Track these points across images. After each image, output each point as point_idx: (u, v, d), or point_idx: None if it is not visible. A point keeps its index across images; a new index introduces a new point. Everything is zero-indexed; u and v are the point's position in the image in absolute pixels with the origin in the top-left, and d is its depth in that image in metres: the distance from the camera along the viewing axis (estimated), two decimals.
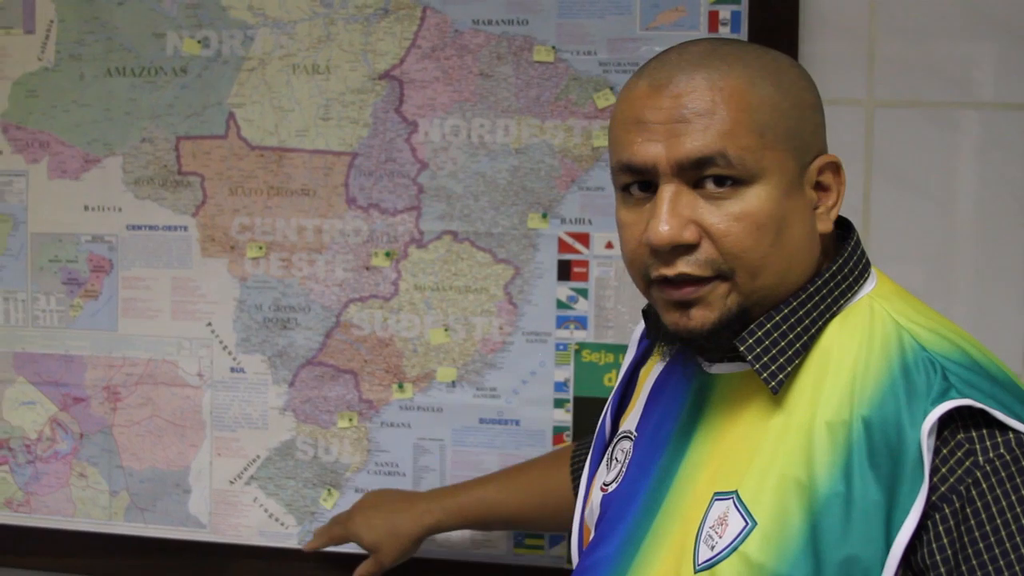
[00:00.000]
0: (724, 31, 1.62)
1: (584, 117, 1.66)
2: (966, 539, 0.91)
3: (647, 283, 1.04)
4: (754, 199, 0.98)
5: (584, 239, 1.67)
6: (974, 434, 0.92)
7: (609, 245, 1.57)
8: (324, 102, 1.73)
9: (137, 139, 1.80)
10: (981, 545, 0.90)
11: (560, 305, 1.68)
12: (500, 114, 1.68)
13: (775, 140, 0.99)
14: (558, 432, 1.69)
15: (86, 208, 1.82)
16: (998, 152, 1.58)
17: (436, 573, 1.71)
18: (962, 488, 0.91)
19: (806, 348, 1.01)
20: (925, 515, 0.92)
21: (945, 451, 0.92)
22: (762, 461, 1.00)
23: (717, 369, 1.08)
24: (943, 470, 0.92)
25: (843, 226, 1.09)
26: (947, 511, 0.91)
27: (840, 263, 1.04)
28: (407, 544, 1.56)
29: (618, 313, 1.67)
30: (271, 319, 1.77)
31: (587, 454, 1.46)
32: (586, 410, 1.67)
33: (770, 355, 1.01)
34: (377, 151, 1.72)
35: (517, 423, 1.70)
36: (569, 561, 1.70)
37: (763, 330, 1.01)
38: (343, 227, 1.73)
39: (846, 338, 1.01)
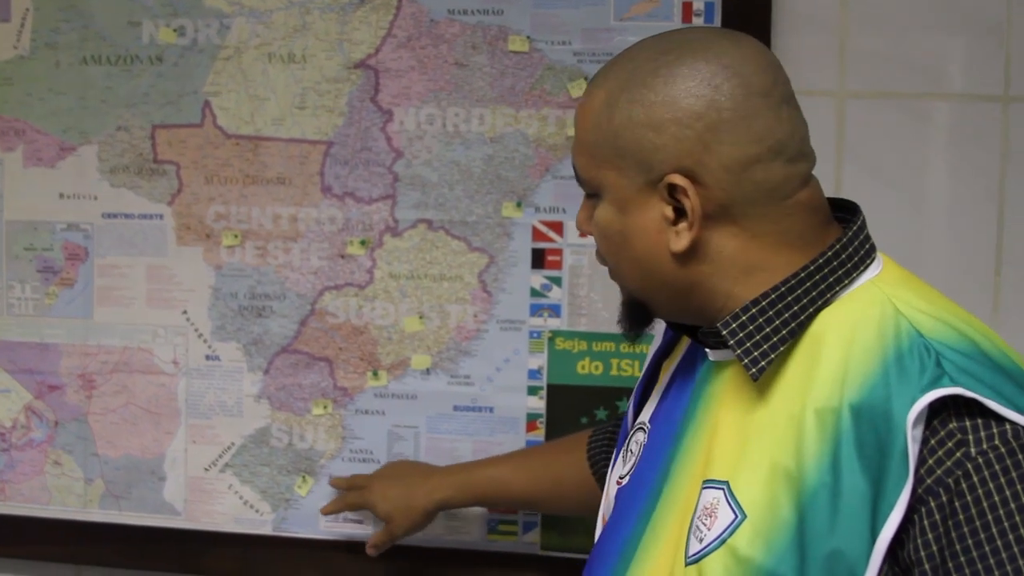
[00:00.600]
0: (698, 22, 1.55)
1: (558, 106, 1.58)
2: (953, 534, 0.82)
3: None
4: (600, 212, 1.00)
5: (558, 228, 1.60)
6: (967, 424, 0.83)
7: (583, 234, 1.51)
8: (300, 91, 1.65)
9: (113, 127, 1.71)
10: (970, 541, 0.81)
11: (534, 293, 1.61)
12: (475, 103, 1.61)
13: (604, 160, 0.97)
14: (532, 419, 1.62)
15: (61, 196, 1.74)
16: (968, 143, 1.53)
17: (409, 559, 1.65)
18: (950, 480, 0.82)
19: (793, 335, 0.92)
20: (911, 508, 0.83)
21: (934, 441, 0.83)
22: (754, 451, 0.91)
23: (715, 356, 1.00)
24: (930, 461, 0.83)
25: (849, 210, 1.00)
26: (933, 504, 0.82)
27: (837, 249, 0.94)
28: (418, 517, 1.52)
29: (591, 301, 1.60)
30: (246, 307, 1.68)
31: (604, 439, 1.41)
32: (560, 397, 1.61)
33: (753, 340, 0.93)
34: (352, 140, 1.64)
35: (491, 410, 1.63)
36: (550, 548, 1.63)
37: (748, 315, 0.93)
38: (318, 215, 1.65)
39: (841, 324, 0.91)
